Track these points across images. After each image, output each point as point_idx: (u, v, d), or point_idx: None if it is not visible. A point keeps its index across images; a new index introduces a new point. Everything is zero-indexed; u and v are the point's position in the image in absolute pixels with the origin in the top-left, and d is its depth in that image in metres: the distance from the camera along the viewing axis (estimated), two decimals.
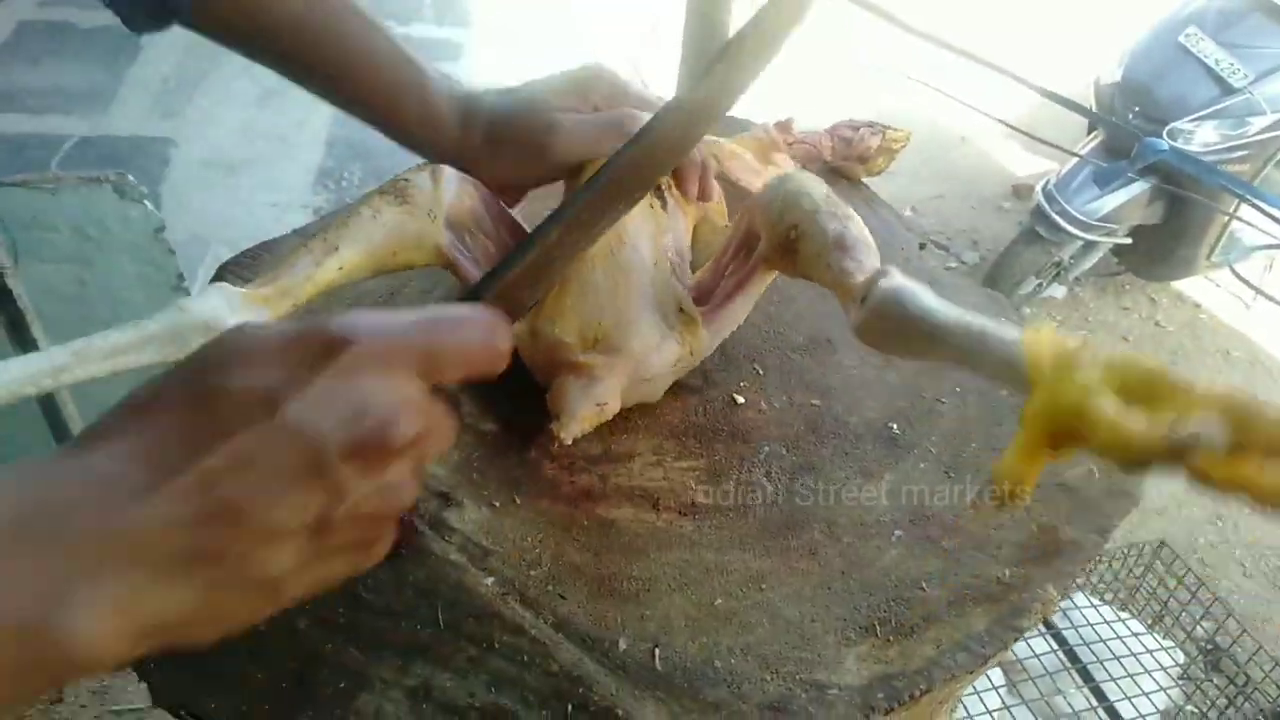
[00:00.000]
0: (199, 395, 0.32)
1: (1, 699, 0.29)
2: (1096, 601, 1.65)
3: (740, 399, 0.70)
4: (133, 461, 0.31)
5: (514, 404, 0.67)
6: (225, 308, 0.55)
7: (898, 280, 0.54)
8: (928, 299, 0.52)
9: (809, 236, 0.60)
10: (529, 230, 0.66)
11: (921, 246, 0.91)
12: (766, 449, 0.67)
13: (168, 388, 0.33)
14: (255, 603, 0.35)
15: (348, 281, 0.60)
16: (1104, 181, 1.64)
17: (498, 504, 0.62)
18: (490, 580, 0.58)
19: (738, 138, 0.87)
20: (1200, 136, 2.62)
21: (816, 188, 0.63)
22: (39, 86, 3.47)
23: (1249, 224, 2.58)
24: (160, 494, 0.30)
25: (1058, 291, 3.08)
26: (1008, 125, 1.94)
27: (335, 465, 0.33)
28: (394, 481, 0.36)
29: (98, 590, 0.29)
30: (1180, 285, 3.24)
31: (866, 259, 0.58)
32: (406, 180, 0.63)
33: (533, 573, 0.58)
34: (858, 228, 0.61)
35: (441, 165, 0.65)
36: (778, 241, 0.62)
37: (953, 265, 0.89)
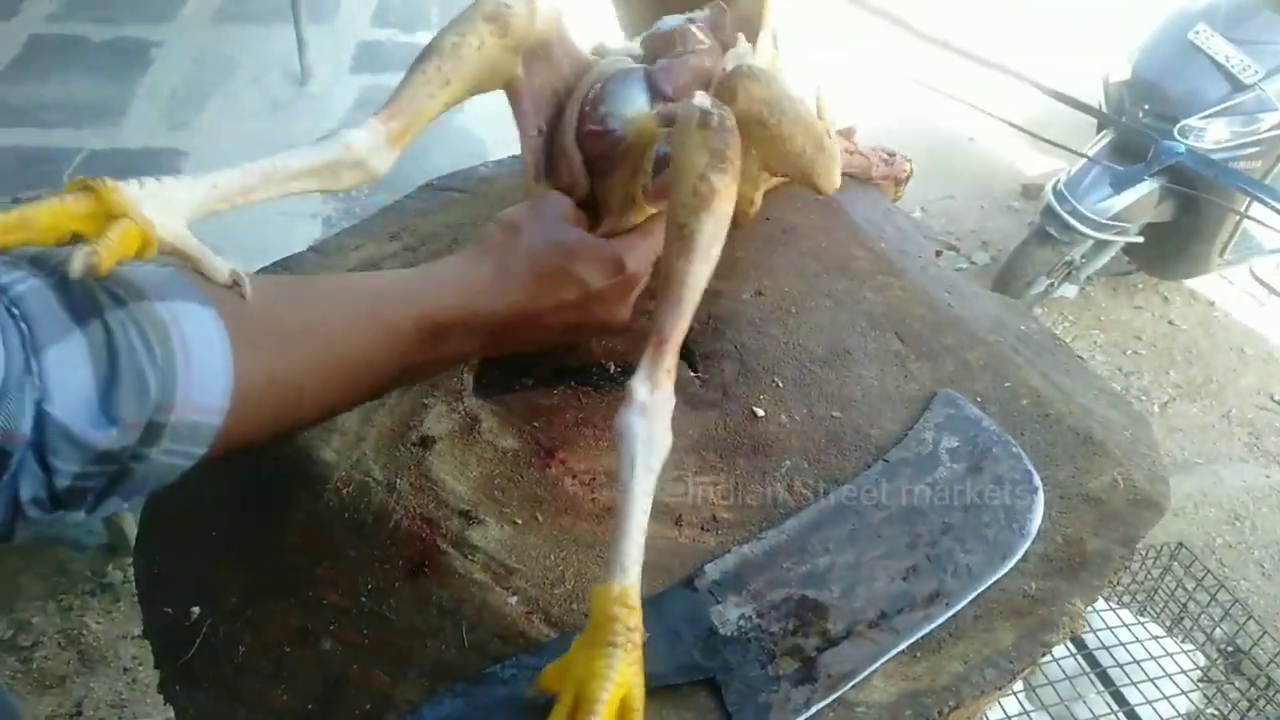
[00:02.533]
0: (554, 265, 0.60)
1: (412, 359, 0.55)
2: (1115, 605, 1.64)
3: (760, 412, 0.69)
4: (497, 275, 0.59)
5: (534, 420, 0.67)
6: (375, 147, 0.57)
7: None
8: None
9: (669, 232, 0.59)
10: (591, 61, 0.69)
11: (938, 253, 0.91)
12: (788, 463, 0.66)
13: (529, 252, 0.60)
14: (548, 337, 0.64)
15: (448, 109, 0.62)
16: (1120, 185, 1.63)
17: (520, 522, 0.61)
18: (514, 599, 0.57)
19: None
20: (1211, 134, 2.60)
21: (694, 161, 0.58)
22: (50, 100, 3.48)
23: (1261, 223, 2.56)
24: (508, 300, 0.59)
25: (1069, 291, 3.06)
26: (1016, 127, 1.93)
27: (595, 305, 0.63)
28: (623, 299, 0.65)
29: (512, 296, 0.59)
30: (1193, 283, 3.22)
31: (666, 311, 0.57)
32: (508, 6, 0.62)
33: (556, 591, 0.58)
34: (692, 255, 0.57)
35: None
36: None
37: (963, 266, 0.90)
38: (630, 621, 0.49)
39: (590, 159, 0.66)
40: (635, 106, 0.65)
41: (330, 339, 0.50)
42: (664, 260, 0.56)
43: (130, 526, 2.08)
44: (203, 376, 0.41)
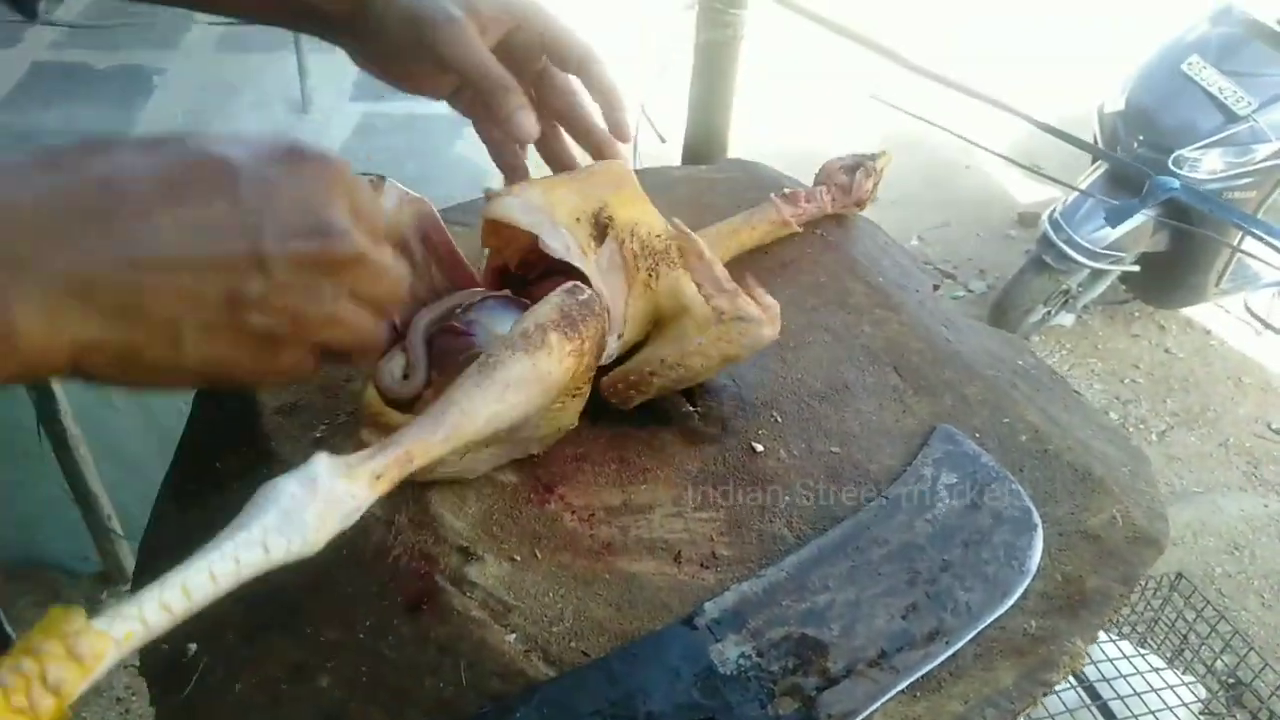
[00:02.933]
0: (177, 162, 0.35)
1: None
2: (1115, 637, 1.63)
3: (759, 447, 0.69)
4: (76, 195, 0.33)
5: (533, 456, 0.67)
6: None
7: None
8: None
9: None
10: (469, 267, 0.64)
11: (935, 288, 0.91)
12: (787, 499, 0.66)
13: (130, 145, 0.35)
14: (161, 353, 0.35)
15: None
16: (1114, 219, 1.65)
17: (518, 558, 0.61)
18: (512, 636, 0.57)
19: (745, 219, 0.84)
20: (1206, 164, 2.63)
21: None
22: (54, 127, 3.50)
23: (1255, 257, 2.58)
24: (98, 236, 0.32)
25: (1066, 319, 3.08)
26: (1010, 160, 1.95)
27: (270, 246, 0.35)
28: (320, 290, 0.37)
29: (36, 303, 0.31)
30: (1189, 312, 3.24)
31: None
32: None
33: (555, 629, 0.58)
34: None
35: (384, 176, 0.61)
36: None
37: (960, 294, 0.90)
38: (58, 673, 0.36)
39: (435, 354, 0.60)
40: (502, 328, 0.60)
41: None
42: (453, 386, 0.52)
43: (125, 554, 2.07)
44: None
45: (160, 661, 0.60)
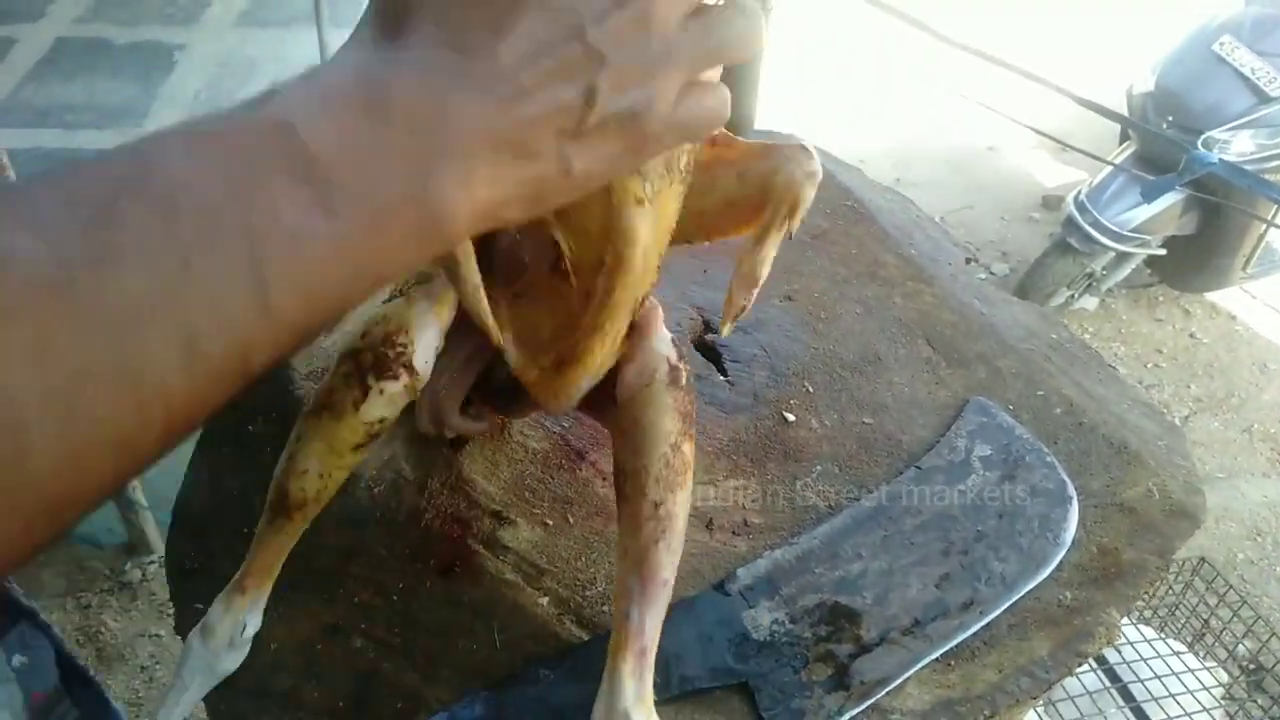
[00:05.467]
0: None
1: (387, 266, 0.31)
2: (1137, 621, 1.63)
3: (791, 417, 0.69)
4: (449, 52, 0.32)
5: (564, 421, 0.67)
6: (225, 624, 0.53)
7: None
8: None
9: (626, 499, 0.50)
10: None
11: (968, 260, 0.90)
12: (819, 468, 0.66)
13: None
14: (556, 179, 0.34)
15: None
16: (1150, 195, 1.62)
17: (550, 523, 0.61)
18: (545, 600, 0.57)
19: None
20: (1236, 145, 2.59)
21: (666, 428, 0.50)
22: (74, 102, 3.52)
23: None
24: (481, 87, 0.32)
25: (1090, 303, 3.04)
26: (1040, 133, 1.92)
27: (592, 33, 0.34)
28: (661, 53, 0.35)
29: (460, 167, 0.31)
30: (1214, 297, 3.20)
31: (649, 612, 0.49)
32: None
33: (588, 593, 0.58)
34: (671, 540, 0.50)
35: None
36: (615, 463, 0.53)
37: (983, 276, 0.89)
38: None
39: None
40: None
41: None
42: (634, 542, 0.49)
43: (150, 525, 2.09)
44: None
45: (196, 622, 0.60)
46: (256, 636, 0.58)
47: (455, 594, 0.58)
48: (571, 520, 0.62)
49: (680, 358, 0.51)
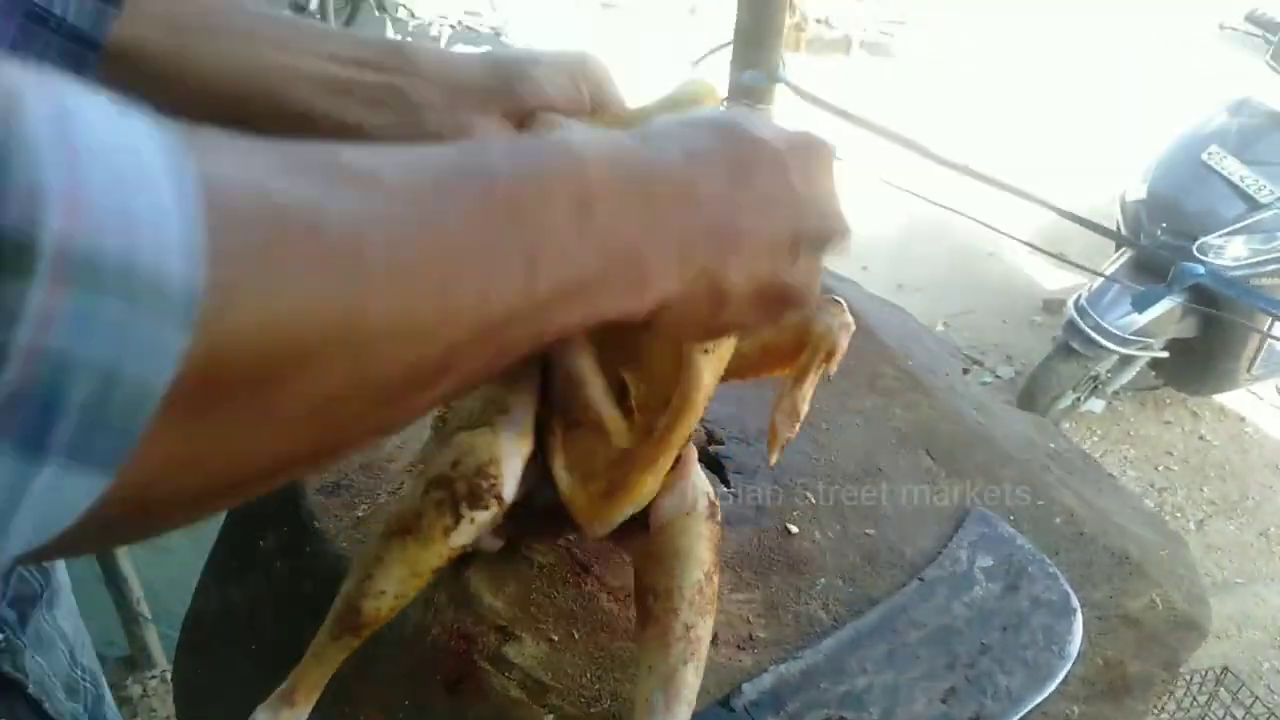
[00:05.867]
0: (740, 143, 0.40)
1: (596, 299, 0.35)
2: None
3: (794, 529, 0.70)
4: (716, 180, 0.39)
5: (570, 535, 0.68)
6: None
7: None
8: None
9: (655, 619, 0.53)
10: None
11: (965, 371, 0.92)
12: (823, 580, 0.66)
13: (709, 133, 0.40)
14: (709, 312, 0.40)
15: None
16: (1140, 305, 1.66)
17: (556, 638, 0.62)
18: (551, 717, 0.57)
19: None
20: (1230, 251, 2.64)
21: (701, 556, 0.53)
22: None
23: None
24: (689, 208, 0.38)
25: (1096, 406, 3.06)
26: (1034, 247, 1.98)
27: (807, 230, 0.41)
28: (820, 265, 0.44)
29: (678, 254, 0.37)
30: (1222, 398, 3.20)
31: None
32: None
33: (593, 710, 0.58)
34: (699, 663, 0.52)
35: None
36: (639, 582, 0.55)
37: (988, 380, 0.91)
38: None
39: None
40: None
41: (410, 188, 0.31)
42: (661, 659, 0.51)
43: (153, 638, 2.06)
44: (113, 172, 0.22)
45: None
46: None
47: (461, 711, 0.58)
48: (577, 636, 0.62)
49: (716, 495, 0.54)
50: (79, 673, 0.73)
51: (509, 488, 0.50)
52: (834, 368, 0.55)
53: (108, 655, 2.12)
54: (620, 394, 0.52)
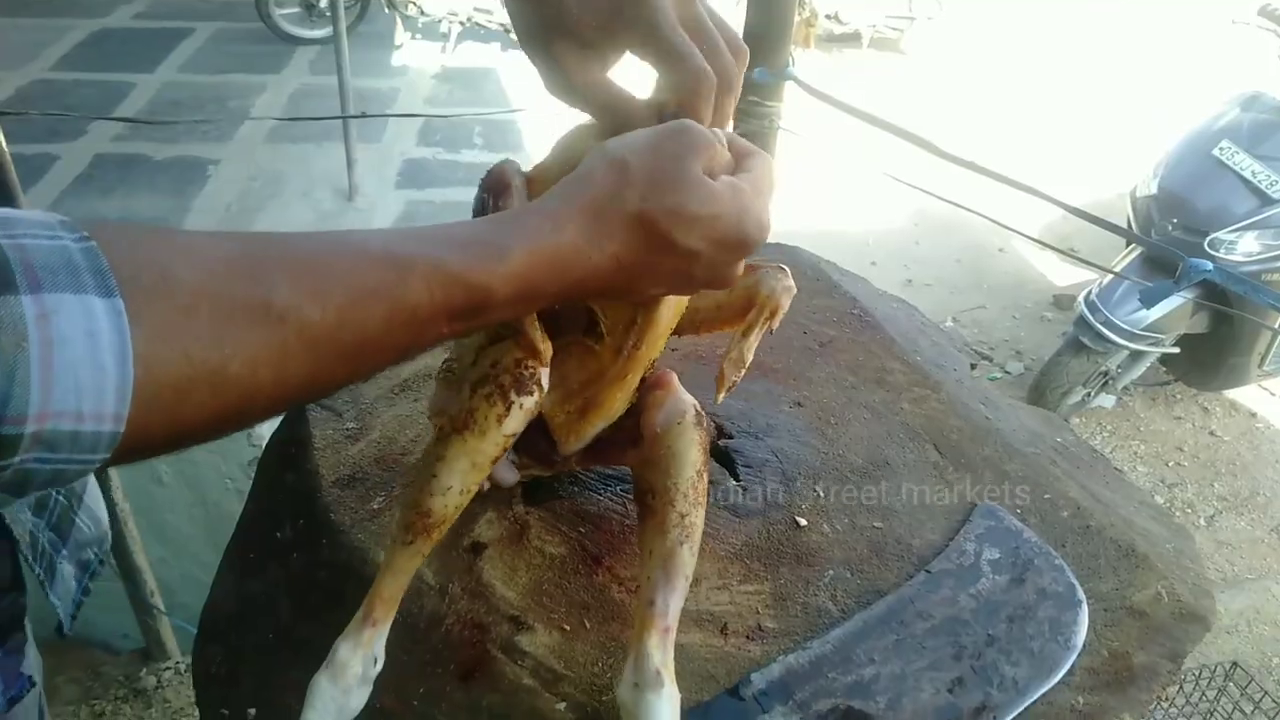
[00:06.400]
0: (663, 232, 0.48)
1: (438, 336, 0.45)
2: None
3: (803, 521, 0.71)
4: (576, 214, 0.48)
5: (581, 527, 0.69)
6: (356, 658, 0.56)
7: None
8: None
9: (653, 512, 0.59)
10: None
11: (972, 367, 0.93)
12: (831, 573, 0.67)
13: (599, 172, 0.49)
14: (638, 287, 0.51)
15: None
16: (1149, 300, 1.67)
17: (568, 628, 0.63)
18: (563, 705, 0.58)
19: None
20: (1242, 246, 2.63)
21: (693, 456, 0.60)
22: (110, 213, 3.66)
23: None
24: (588, 269, 0.48)
25: (1106, 401, 3.05)
26: (1044, 244, 1.98)
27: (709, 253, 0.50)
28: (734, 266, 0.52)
29: (515, 269, 0.45)
30: (1233, 394, 3.20)
31: (672, 599, 0.56)
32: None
33: (604, 698, 0.59)
34: (693, 545, 0.58)
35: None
36: (638, 486, 0.61)
37: (998, 376, 0.91)
38: None
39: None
40: None
41: (318, 319, 0.41)
42: (660, 543, 0.57)
43: (167, 630, 2.08)
44: (75, 381, 0.35)
45: None
46: None
47: (475, 700, 0.59)
48: (588, 625, 0.63)
49: (699, 408, 0.61)
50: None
51: (545, 374, 0.55)
52: (776, 324, 0.62)
53: (122, 649, 2.15)
54: (590, 322, 0.59)
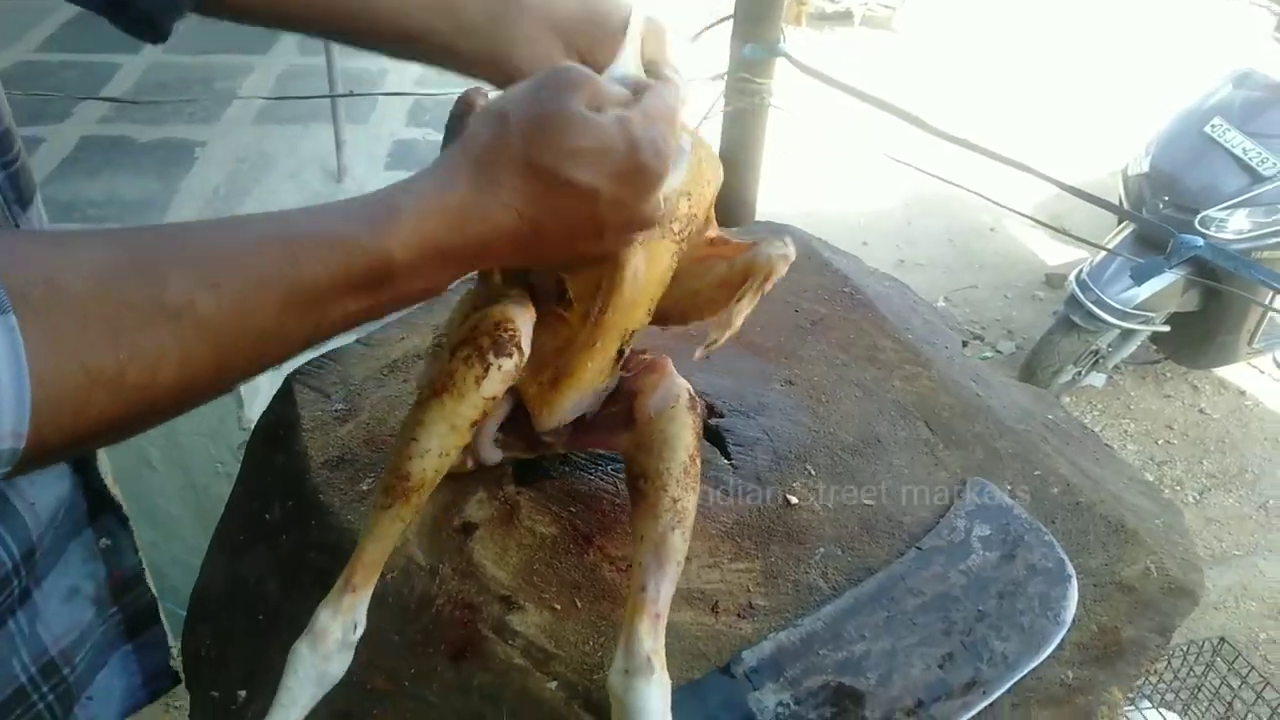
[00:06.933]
0: (550, 172, 0.47)
1: (345, 314, 0.45)
2: (1159, 705, 1.60)
3: (793, 499, 0.71)
4: (468, 165, 0.47)
5: (571, 507, 0.69)
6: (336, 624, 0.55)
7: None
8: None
9: (645, 497, 0.59)
10: None
11: (964, 344, 0.93)
12: (821, 550, 0.67)
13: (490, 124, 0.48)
14: (550, 247, 0.51)
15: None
16: (1140, 277, 1.68)
17: (559, 607, 0.63)
18: (554, 684, 0.58)
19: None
20: (1233, 224, 2.64)
21: (686, 441, 0.60)
22: (97, 197, 3.63)
23: None
24: (490, 226, 0.47)
25: (1097, 380, 3.06)
26: (1036, 221, 1.98)
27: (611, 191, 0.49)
28: (639, 209, 0.51)
29: (408, 228, 0.45)
30: (1222, 372, 3.21)
31: (664, 584, 0.56)
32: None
33: (595, 677, 0.59)
34: (685, 530, 0.58)
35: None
36: (630, 470, 0.61)
37: (989, 355, 0.91)
38: None
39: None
40: None
41: (214, 310, 0.40)
42: (652, 528, 0.57)
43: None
44: None
45: (211, 708, 0.62)
46: None
47: (466, 679, 0.59)
48: (579, 604, 0.63)
49: (693, 393, 0.61)
50: None
51: (525, 338, 0.55)
52: (769, 287, 0.60)
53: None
54: (560, 291, 0.59)
